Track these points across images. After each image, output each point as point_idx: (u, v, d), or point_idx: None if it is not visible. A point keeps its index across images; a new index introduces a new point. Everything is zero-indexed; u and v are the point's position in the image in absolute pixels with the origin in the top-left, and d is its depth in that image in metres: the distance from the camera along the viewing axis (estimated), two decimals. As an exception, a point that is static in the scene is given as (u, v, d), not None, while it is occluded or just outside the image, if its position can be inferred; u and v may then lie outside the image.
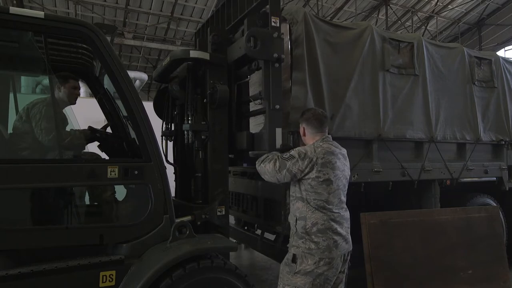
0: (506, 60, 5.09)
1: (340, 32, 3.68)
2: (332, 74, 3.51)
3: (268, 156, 2.59)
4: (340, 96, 3.54)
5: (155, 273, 2.23)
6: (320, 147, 2.49)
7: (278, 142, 2.78)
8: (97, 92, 3.52)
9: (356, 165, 3.56)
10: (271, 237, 3.78)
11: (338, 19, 16.64)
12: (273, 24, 2.77)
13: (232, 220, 5.04)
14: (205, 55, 2.91)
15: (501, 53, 18.40)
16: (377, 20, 17.79)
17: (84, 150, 3.06)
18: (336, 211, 2.46)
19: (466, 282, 3.74)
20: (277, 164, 2.46)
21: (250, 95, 3.48)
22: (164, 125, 3.53)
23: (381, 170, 3.74)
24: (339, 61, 3.60)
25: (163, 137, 3.50)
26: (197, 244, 2.47)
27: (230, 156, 3.31)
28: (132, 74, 15.44)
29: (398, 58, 4.00)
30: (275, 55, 2.72)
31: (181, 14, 15.30)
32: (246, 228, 4.78)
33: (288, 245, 2.58)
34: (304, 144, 2.70)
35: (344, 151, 2.65)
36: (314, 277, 2.33)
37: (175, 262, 2.30)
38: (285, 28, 3.35)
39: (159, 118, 3.57)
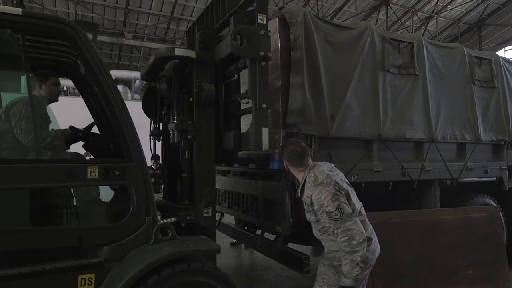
0: (506, 60, 5.09)
1: (341, 32, 3.68)
2: (332, 74, 3.51)
3: (345, 249, 2.28)
4: (340, 96, 3.54)
5: (133, 277, 2.16)
6: (321, 173, 2.46)
7: (265, 142, 2.69)
8: (84, 91, 3.44)
9: (356, 165, 3.57)
10: (271, 237, 3.78)
11: (338, 19, 16.65)
12: (259, 21, 2.70)
13: (232, 220, 5.05)
14: (191, 53, 2.83)
15: (501, 53, 18.40)
16: (377, 20, 17.79)
17: (68, 150, 2.98)
18: (363, 212, 2.52)
19: (466, 282, 3.74)
20: (345, 227, 2.26)
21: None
22: (152, 125, 3.46)
23: (381, 170, 3.74)
24: (339, 61, 3.59)
25: (151, 137, 3.41)
26: (178, 247, 2.40)
27: (220, 156, 3.25)
28: (132, 74, 15.47)
29: (398, 58, 4.00)
30: (262, 53, 2.64)
31: (181, 14, 15.32)
32: (246, 228, 4.78)
33: (328, 255, 2.54)
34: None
35: (328, 164, 2.64)
36: (360, 278, 2.38)
37: (155, 265, 2.23)
38: (274, 25, 3.32)
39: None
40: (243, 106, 3.13)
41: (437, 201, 4.22)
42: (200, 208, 2.78)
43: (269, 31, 2.73)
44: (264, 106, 2.69)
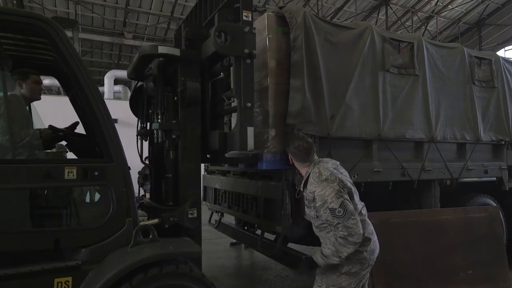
0: (506, 60, 5.09)
1: (341, 32, 3.68)
2: (332, 74, 3.51)
3: (335, 244, 2.30)
4: (340, 96, 3.54)
5: (110, 280, 2.11)
6: (326, 170, 2.45)
7: (250, 141, 2.62)
8: (69, 90, 3.39)
9: (356, 165, 3.56)
10: (271, 237, 3.78)
11: (338, 19, 16.65)
12: (244, 18, 2.62)
13: (232, 220, 5.05)
14: (175, 51, 2.77)
15: (501, 53, 18.40)
16: (377, 20, 17.79)
17: (52, 150, 2.93)
18: (364, 212, 2.52)
19: (466, 282, 3.74)
20: (345, 229, 2.25)
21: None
22: (139, 124, 3.41)
23: (381, 170, 3.74)
24: (339, 61, 3.59)
25: (138, 136, 3.36)
26: (158, 249, 2.35)
27: (208, 156, 3.23)
28: (132, 74, 15.44)
29: (398, 58, 4.00)
30: (246, 50, 2.58)
31: (181, 14, 15.31)
32: (246, 228, 4.78)
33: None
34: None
35: (333, 161, 2.63)
36: (358, 277, 2.40)
37: (133, 268, 2.17)
38: (263, 22, 3.29)
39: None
40: (233, 105, 3.07)
41: (437, 201, 4.22)
42: (184, 209, 2.73)
43: (254, 28, 2.67)
44: (249, 105, 2.63)
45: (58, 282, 2.18)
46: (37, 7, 13.26)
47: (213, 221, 5.09)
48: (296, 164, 2.65)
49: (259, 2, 14.66)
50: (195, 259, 2.60)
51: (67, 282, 2.20)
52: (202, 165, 4.80)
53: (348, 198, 2.37)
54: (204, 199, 4.95)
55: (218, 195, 4.54)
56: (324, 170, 2.45)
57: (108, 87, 13.14)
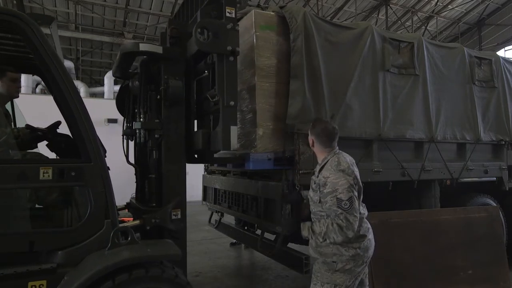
0: (506, 60, 5.09)
1: (341, 32, 3.68)
2: (332, 74, 3.51)
3: (330, 226, 2.35)
4: (340, 96, 3.54)
5: (83, 283, 2.07)
6: (345, 162, 2.46)
7: (234, 141, 2.59)
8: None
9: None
10: (271, 237, 3.78)
11: (338, 19, 16.64)
12: (228, 15, 2.58)
13: (232, 220, 5.05)
14: (157, 49, 2.73)
15: (501, 53, 18.39)
16: (377, 20, 17.79)
17: (32, 150, 2.88)
18: (363, 211, 2.52)
19: (466, 282, 3.74)
20: (347, 218, 2.30)
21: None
22: (125, 124, 3.36)
23: (381, 170, 3.74)
24: (339, 61, 3.59)
25: (124, 136, 3.28)
26: (135, 252, 2.30)
27: (195, 156, 3.19)
28: (132, 74, 15.42)
29: (398, 58, 4.00)
30: (229, 47, 2.54)
31: (181, 14, 15.29)
32: (246, 228, 4.78)
33: (318, 250, 2.50)
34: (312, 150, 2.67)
35: (351, 158, 2.63)
36: (352, 274, 2.41)
37: (106, 271, 2.12)
38: (250, 19, 3.26)
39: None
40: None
41: (437, 201, 4.23)
42: (167, 210, 2.68)
43: (238, 25, 2.63)
44: (232, 103, 2.59)
45: (32, 286, 2.12)
46: (37, 7, 13.26)
47: (213, 221, 5.09)
48: (316, 148, 2.62)
49: (259, 1, 14.66)
50: (178, 261, 2.53)
51: (41, 286, 2.14)
52: (202, 165, 4.80)
53: (357, 196, 2.39)
54: (204, 199, 4.95)
55: (218, 195, 4.54)
56: (343, 162, 2.47)
57: (108, 87, 13.12)
